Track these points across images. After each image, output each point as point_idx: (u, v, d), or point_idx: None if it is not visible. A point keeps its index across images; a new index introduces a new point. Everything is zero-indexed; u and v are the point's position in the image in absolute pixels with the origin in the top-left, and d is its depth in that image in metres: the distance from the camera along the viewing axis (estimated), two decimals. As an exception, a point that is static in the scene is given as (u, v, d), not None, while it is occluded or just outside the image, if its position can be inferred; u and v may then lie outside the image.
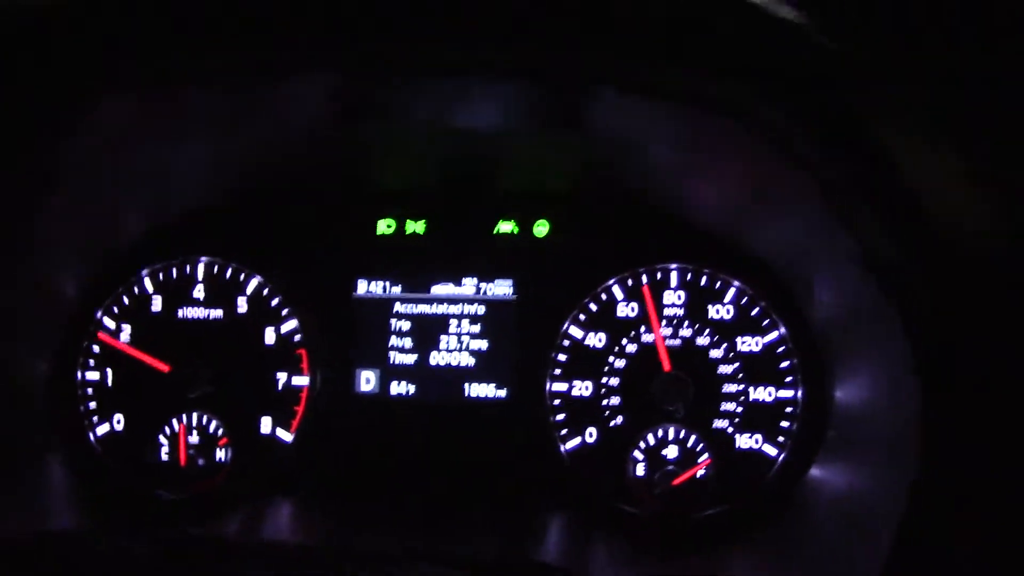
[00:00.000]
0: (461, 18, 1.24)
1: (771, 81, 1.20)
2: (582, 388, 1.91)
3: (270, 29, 1.28)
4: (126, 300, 1.95)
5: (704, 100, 1.29)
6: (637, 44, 1.25)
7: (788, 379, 1.86)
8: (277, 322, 1.95)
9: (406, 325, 1.97)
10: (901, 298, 1.21)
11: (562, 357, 1.92)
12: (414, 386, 1.96)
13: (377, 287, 1.98)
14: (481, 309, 1.96)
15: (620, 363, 1.90)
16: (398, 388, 1.96)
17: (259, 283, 1.96)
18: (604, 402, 1.90)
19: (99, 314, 1.94)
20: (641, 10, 1.25)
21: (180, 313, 1.95)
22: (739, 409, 1.86)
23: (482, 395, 1.95)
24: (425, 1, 1.25)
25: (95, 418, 1.93)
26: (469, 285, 1.97)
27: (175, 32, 1.33)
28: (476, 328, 1.96)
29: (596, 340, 1.92)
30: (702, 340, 1.88)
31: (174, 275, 1.96)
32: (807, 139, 1.23)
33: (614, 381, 1.90)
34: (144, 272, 1.96)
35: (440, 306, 1.97)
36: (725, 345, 1.88)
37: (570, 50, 1.27)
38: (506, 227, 1.98)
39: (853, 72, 1.11)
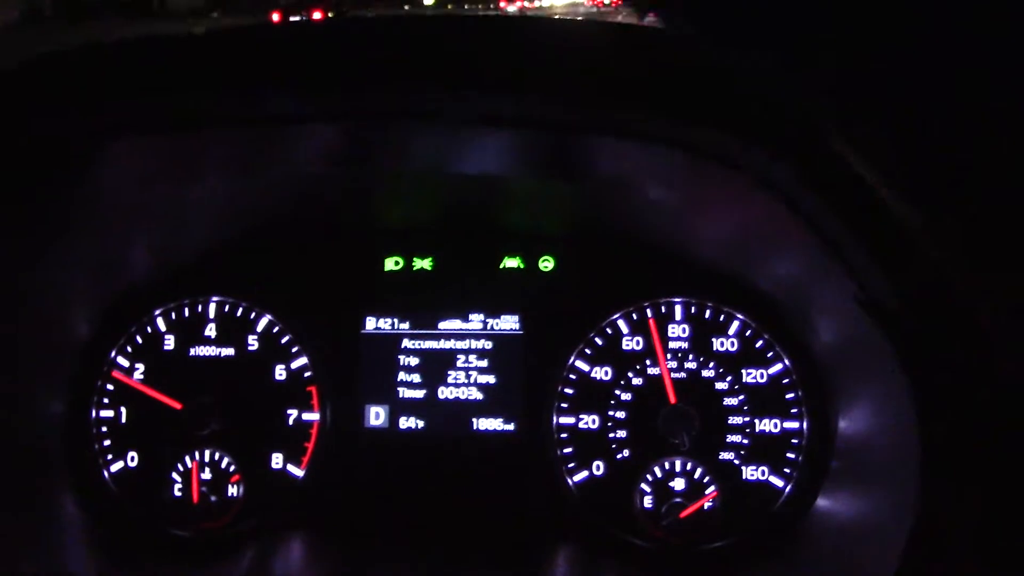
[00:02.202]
0: (458, 70, 1.28)
1: (758, 133, 1.24)
2: (589, 421, 1.93)
3: (272, 78, 1.32)
4: (139, 339, 1.98)
5: (692, 148, 1.33)
6: (629, 97, 1.29)
7: (793, 411, 1.87)
8: (287, 359, 1.98)
9: (414, 360, 1.99)
10: (895, 335, 1.24)
11: (569, 391, 1.94)
12: (423, 420, 1.98)
13: (385, 323, 2.00)
14: (488, 344, 1.98)
15: (626, 396, 1.92)
16: (407, 423, 1.98)
17: (269, 321, 1.99)
18: (611, 435, 1.92)
19: (113, 353, 1.97)
20: (629, 65, 1.29)
21: (192, 351, 1.98)
22: (745, 441, 1.88)
23: (490, 428, 1.97)
24: (422, 55, 1.29)
25: (109, 456, 1.95)
26: (476, 320, 1.99)
27: (183, 80, 1.37)
28: (483, 363, 1.98)
29: (602, 373, 1.94)
30: (707, 372, 1.91)
31: (186, 314, 1.99)
32: (796, 185, 1.27)
33: (621, 414, 1.92)
34: (157, 312, 1.99)
35: (448, 341, 1.99)
36: (730, 377, 1.90)
37: (567, 102, 1.31)
38: (512, 262, 2.00)
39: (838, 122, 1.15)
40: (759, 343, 1.90)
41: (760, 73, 1.15)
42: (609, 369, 1.94)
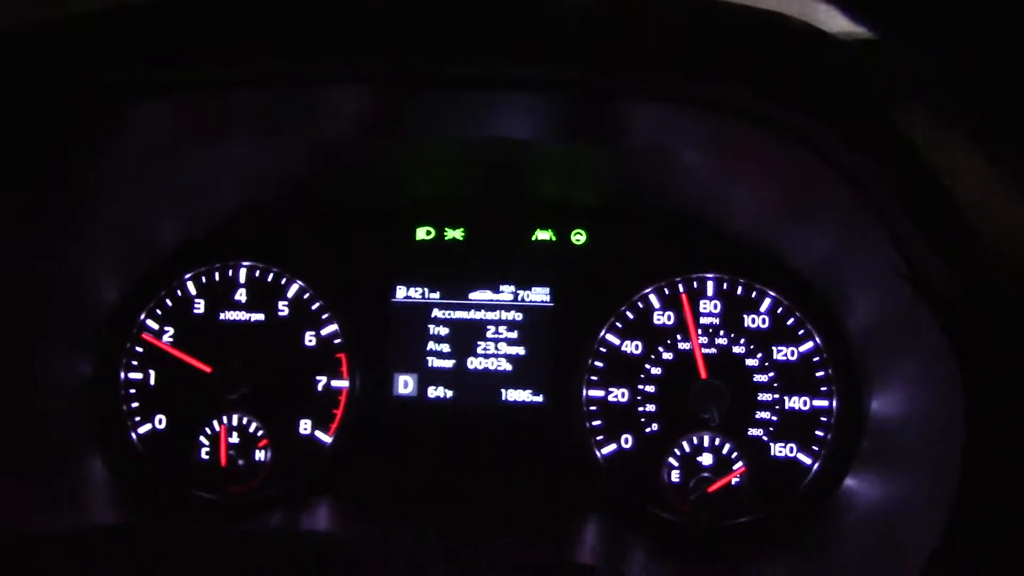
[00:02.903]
0: (498, 33, 1.26)
1: (814, 95, 1.22)
2: (618, 395, 1.93)
3: (308, 41, 1.31)
4: (169, 303, 1.98)
5: (743, 113, 1.31)
6: (673, 58, 1.27)
7: (823, 389, 1.87)
8: (317, 326, 1.98)
9: (444, 330, 1.99)
10: (946, 313, 1.20)
11: (599, 364, 1.94)
12: (451, 391, 1.98)
13: (416, 292, 2.00)
14: (519, 315, 1.98)
15: (656, 370, 1.92)
16: (435, 392, 1.98)
17: (300, 288, 1.99)
18: (640, 409, 1.92)
19: (143, 316, 1.97)
20: (673, 25, 1.27)
21: (222, 316, 1.98)
22: (774, 418, 1.88)
23: (519, 400, 1.97)
24: (466, 15, 1.28)
25: (137, 418, 1.95)
26: (507, 292, 1.99)
27: (216, 40, 1.36)
28: (513, 334, 1.98)
29: (633, 347, 1.94)
30: (738, 349, 1.90)
31: (216, 279, 1.99)
32: (850, 152, 1.24)
33: (650, 388, 1.92)
34: (187, 276, 1.99)
35: (478, 312, 1.99)
36: (761, 354, 1.89)
37: (604, 63, 1.29)
38: (544, 235, 2.00)
39: (898, 81, 1.13)
40: (791, 321, 1.90)
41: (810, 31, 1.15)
42: (640, 343, 1.93)
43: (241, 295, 1.99)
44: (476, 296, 2.00)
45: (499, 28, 1.31)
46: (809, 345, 1.89)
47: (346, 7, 1.42)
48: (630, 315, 1.95)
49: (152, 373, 1.97)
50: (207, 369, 1.94)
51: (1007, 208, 1.11)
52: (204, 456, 1.93)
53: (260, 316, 1.98)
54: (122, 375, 1.96)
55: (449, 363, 1.99)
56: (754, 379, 1.89)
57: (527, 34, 1.30)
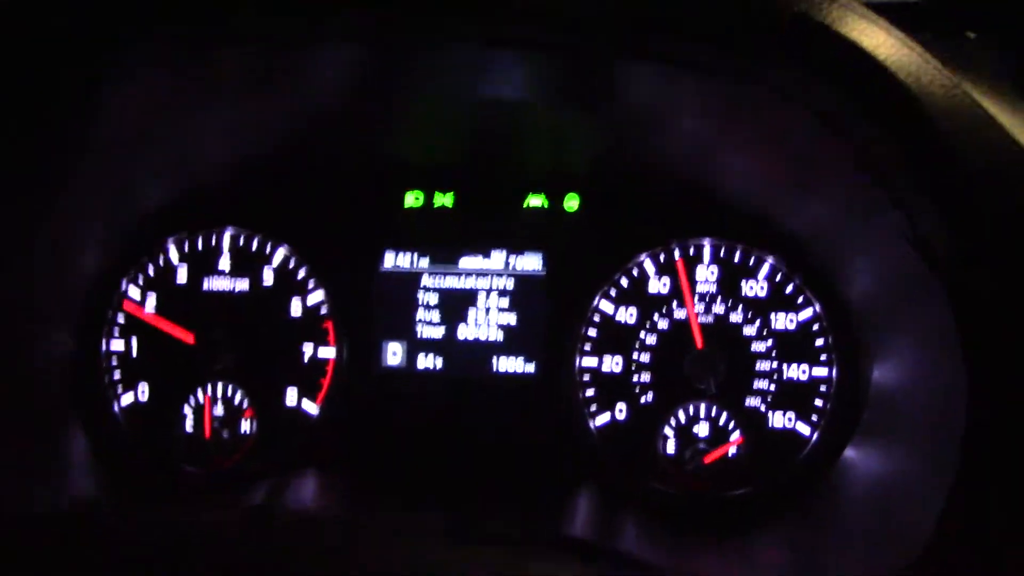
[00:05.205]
0: None
1: (818, 60, 1.17)
2: (612, 364, 1.88)
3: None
4: (151, 270, 1.93)
5: (743, 76, 1.26)
6: (672, 17, 1.22)
7: (823, 357, 1.82)
8: (303, 294, 1.93)
9: (433, 298, 1.94)
10: (949, 276, 1.17)
11: (592, 332, 1.89)
12: (441, 360, 1.94)
13: (404, 260, 1.95)
14: (510, 283, 1.93)
15: (651, 339, 1.87)
16: (425, 362, 1.93)
17: (285, 254, 1.94)
18: (634, 378, 1.87)
19: (124, 284, 1.92)
20: None
21: (205, 284, 1.93)
22: (772, 387, 1.83)
23: (510, 370, 1.92)
24: None
25: (119, 388, 1.91)
26: (498, 259, 1.94)
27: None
28: (505, 302, 1.93)
29: (627, 315, 1.89)
30: (735, 317, 1.85)
31: (199, 245, 1.94)
32: (854, 114, 1.19)
33: (645, 357, 1.87)
34: (169, 242, 1.94)
35: (468, 279, 1.94)
36: (758, 322, 1.84)
37: (601, 23, 1.24)
38: (536, 201, 1.95)
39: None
40: (789, 287, 1.85)
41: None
42: (634, 311, 1.88)
43: (225, 262, 1.94)
44: (466, 263, 1.94)
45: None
46: (808, 313, 1.84)
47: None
48: (624, 282, 1.89)
49: (134, 343, 1.92)
50: (190, 339, 1.89)
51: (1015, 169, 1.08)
52: (188, 428, 1.89)
53: (244, 284, 1.93)
54: (103, 345, 1.91)
55: (439, 332, 1.94)
56: (752, 348, 1.84)
57: None
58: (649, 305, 1.88)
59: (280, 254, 1.93)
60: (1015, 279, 1.08)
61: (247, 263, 1.93)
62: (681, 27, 1.22)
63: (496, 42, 1.36)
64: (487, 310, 1.93)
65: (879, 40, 1.10)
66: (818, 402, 1.82)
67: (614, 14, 1.23)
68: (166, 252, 1.93)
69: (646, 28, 1.23)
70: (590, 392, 1.88)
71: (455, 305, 1.94)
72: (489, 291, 1.94)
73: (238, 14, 1.32)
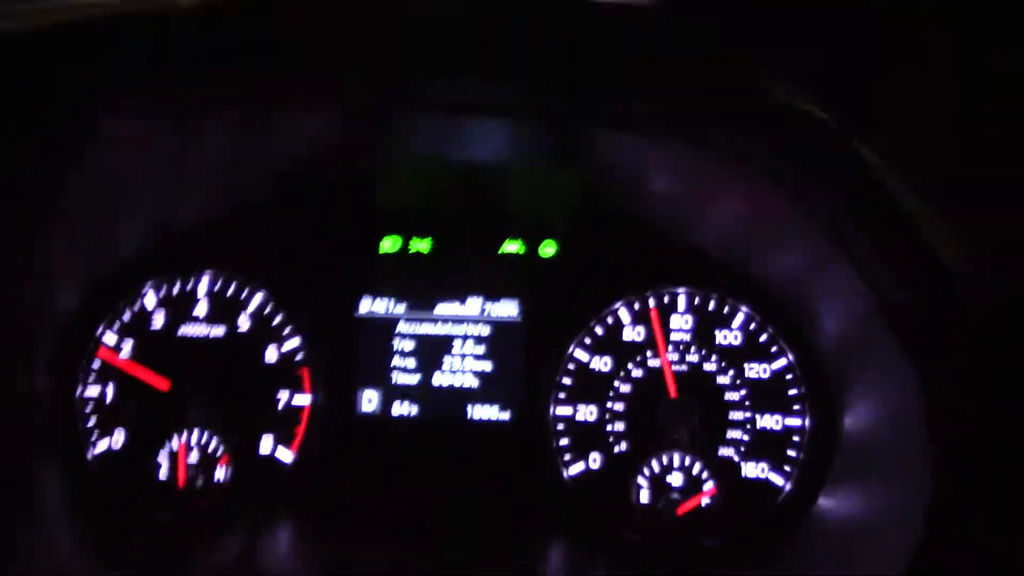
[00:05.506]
0: (468, 59, 1.22)
1: (768, 129, 1.20)
2: (587, 412, 1.88)
3: (276, 62, 1.26)
4: (127, 316, 1.93)
5: (700, 142, 1.28)
6: (633, 89, 1.23)
7: (796, 407, 1.83)
8: (279, 340, 1.93)
9: (409, 345, 1.94)
10: (904, 334, 1.22)
11: (567, 381, 1.89)
12: (417, 407, 1.93)
13: (381, 305, 1.95)
14: (486, 330, 1.93)
15: (626, 388, 1.88)
16: (400, 409, 1.93)
17: (262, 300, 1.93)
18: (609, 427, 1.87)
19: (100, 330, 1.91)
20: (632, 54, 1.23)
21: (181, 330, 1.93)
22: (745, 437, 1.83)
23: (485, 417, 1.92)
24: (439, 40, 1.23)
25: (94, 436, 1.90)
26: (474, 305, 1.94)
27: (181, 60, 1.31)
28: (481, 349, 1.93)
29: (602, 364, 1.89)
30: (709, 366, 1.86)
31: (176, 290, 1.94)
32: (805, 179, 1.23)
33: (619, 406, 1.87)
34: (146, 287, 1.93)
35: (444, 326, 1.94)
36: (732, 371, 1.85)
37: (574, 94, 1.25)
38: (512, 247, 1.95)
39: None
40: (763, 337, 1.85)
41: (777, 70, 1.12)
42: (609, 359, 1.89)
43: (201, 308, 1.93)
44: (443, 309, 1.95)
45: (469, 54, 1.27)
46: (782, 362, 1.84)
47: (315, 30, 1.38)
48: (600, 330, 1.90)
49: (109, 389, 1.91)
50: (165, 386, 1.89)
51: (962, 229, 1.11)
52: (162, 476, 1.88)
53: (220, 330, 1.93)
54: (78, 391, 1.90)
55: (415, 379, 1.94)
56: (725, 397, 1.85)
57: (490, 59, 1.26)
58: (624, 354, 1.89)
59: (256, 299, 1.93)
60: (967, 337, 1.12)
61: (223, 309, 1.93)
62: (652, 100, 1.24)
63: (474, 109, 1.37)
64: (463, 357, 1.93)
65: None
66: (791, 452, 1.82)
67: (574, 83, 1.24)
68: (143, 297, 1.93)
69: (619, 98, 1.25)
70: (565, 441, 1.88)
71: (431, 351, 1.94)
72: (465, 337, 1.94)
73: (222, 79, 1.33)
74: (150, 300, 1.94)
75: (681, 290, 1.89)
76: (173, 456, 1.87)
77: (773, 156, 1.22)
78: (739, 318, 1.86)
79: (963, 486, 1.15)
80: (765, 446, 1.83)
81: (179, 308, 1.94)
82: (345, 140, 1.64)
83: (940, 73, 0.89)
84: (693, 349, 1.87)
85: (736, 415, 1.84)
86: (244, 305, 1.93)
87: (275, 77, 1.32)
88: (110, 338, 1.92)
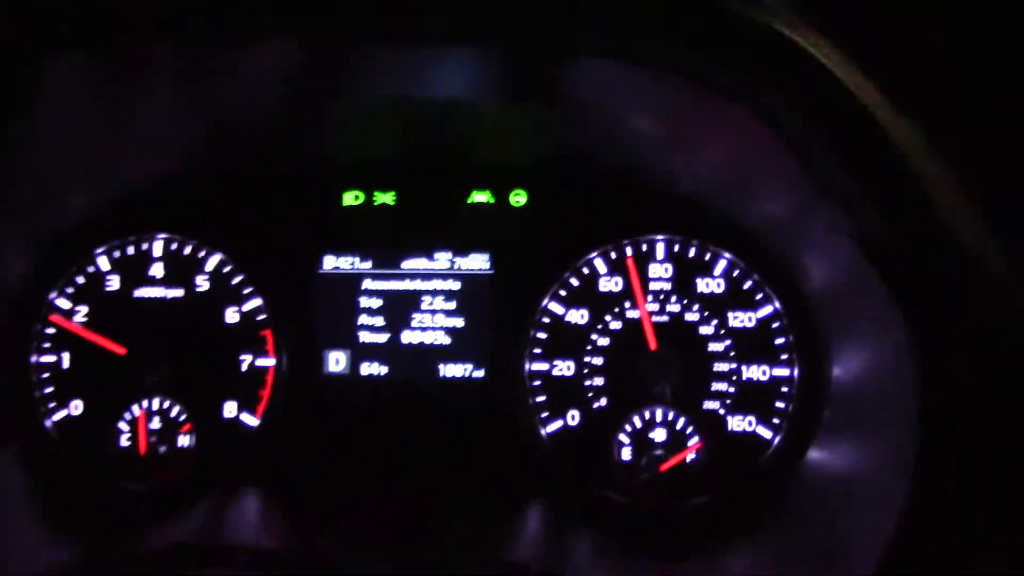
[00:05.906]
0: None
1: (753, 58, 1.11)
2: (563, 367, 1.80)
3: None
4: (80, 280, 1.85)
5: (682, 72, 1.20)
6: (622, 16, 1.14)
7: (783, 356, 1.75)
8: (239, 301, 1.85)
9: (376, 302, 1.86)
10: (892, 277, 1.15)
11: (542, 335, 1.81)
12: (386, 366, 1.85)
13: (345, 262, 1.86)
14: (456, 284, 1.85)
15: (604, 341, 1.79)
16: (369, 369, 1.85)
17: (220, 260, 1.85)
18: (587, 382, 1.79)
19: (52, 295, 1.83)
20: None
21: (137, 293, 1.85)
22: (731, 389, 1.75)
23: (457, 375, 1.84)
24: None
25: (51, 404, 1.83)
26: (443, 259, 1.85)
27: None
28: (451, 304, 1.85)
29: (578, 316, 1.80)
30: (691, 316, 1.77)
31: (130, 252, 1.86)
32: (791, 114, 1.15)
33: (597, 360, 1.79)
34: (99, 250, 1.85)
35: (412, 281, 1.86)
36: (715, 321, 1.76)
37: (548, 18, 1.17)
38: (481, 197, 1.86)
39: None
40: (747, 284, 1.76)
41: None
42: (585, 312, 1.80)
43: (157, 269, 1.85)
44: (410, 264, 1.86)
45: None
46: (768, 310, 1.75)
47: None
48: (574, 281, 1.81)
49: (65, 356, 1.84)
50: (122, 351, 1.81)
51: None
52: (124, 443, 1.81)
53: (178, 292, 1.85)
54: (33, 358, 1.83)
55: (383, 337, 1.86)
56: (709, 348, 1.76)
57: None
58: (601, 305, 1.80)
59: (214, 260, 1.85)
60: (958, 279, 1.08)
61: (180, 270, 1.85)
62: (628, 27, 1.15)
63: (431, 40, 1.28)
64: (432, 313, 1.85)
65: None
66: (779, 403, 1.74)
67: (556, 11, 1.16)
68: (95, 261, 1.85)
69: (591, 26, 1.16)
70: (541, 398, 1.80)
71: (399, 308, 1.86)
72: (434, 293, 1.85)
73: (165, 15, 1.25)
74: (103, 263, 1.85)
75: (660, 237, 1.79)
76: (134, 423, 1.80)
77: (746, 78, 1.13)
78: (721, 265, 1.77)
79: (952, 441, 1.10)
80: (751, 398, 1.75)
81: (134, 270, 1.86)
82: (300, 81, 1.54)
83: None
84: (673, 298, 1.78)
85: (720, 366, 1.75)
86: (201, 266, 1.85)
87: (230, 12, 1.23)
88: (63, 303, 1.84)
